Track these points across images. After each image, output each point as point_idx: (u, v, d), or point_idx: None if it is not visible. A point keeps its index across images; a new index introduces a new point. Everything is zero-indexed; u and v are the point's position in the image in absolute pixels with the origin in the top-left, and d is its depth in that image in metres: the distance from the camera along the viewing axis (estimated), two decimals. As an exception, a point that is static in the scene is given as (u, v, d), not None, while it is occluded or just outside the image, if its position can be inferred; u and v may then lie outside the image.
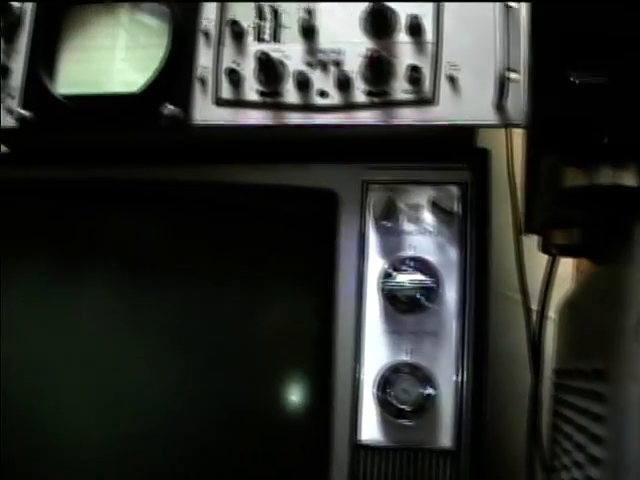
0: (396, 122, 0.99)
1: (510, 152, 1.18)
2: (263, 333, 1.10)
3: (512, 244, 1.23)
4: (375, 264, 1.01)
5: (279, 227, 1.07)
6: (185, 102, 1.02)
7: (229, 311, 1.10)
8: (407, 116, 0.99)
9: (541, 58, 0.79)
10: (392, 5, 1.00)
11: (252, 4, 1.05)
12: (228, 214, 1.09)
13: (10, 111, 1.08)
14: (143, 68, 1.05)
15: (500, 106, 0.96)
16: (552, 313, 1.18)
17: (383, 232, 1.02)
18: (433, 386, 0.96)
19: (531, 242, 1.11)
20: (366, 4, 1.01)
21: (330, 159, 1.05)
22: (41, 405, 1.11)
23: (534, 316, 1.21)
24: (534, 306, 1.21)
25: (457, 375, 0.98)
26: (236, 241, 1.10)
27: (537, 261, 1.18)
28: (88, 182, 1.12)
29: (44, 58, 1.08)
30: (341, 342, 1.00)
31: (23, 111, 1.06)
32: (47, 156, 1.15)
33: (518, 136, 1.07)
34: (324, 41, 1.02)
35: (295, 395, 1.07)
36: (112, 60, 1.07)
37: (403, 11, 1.01)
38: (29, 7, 1.11)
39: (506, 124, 0.97)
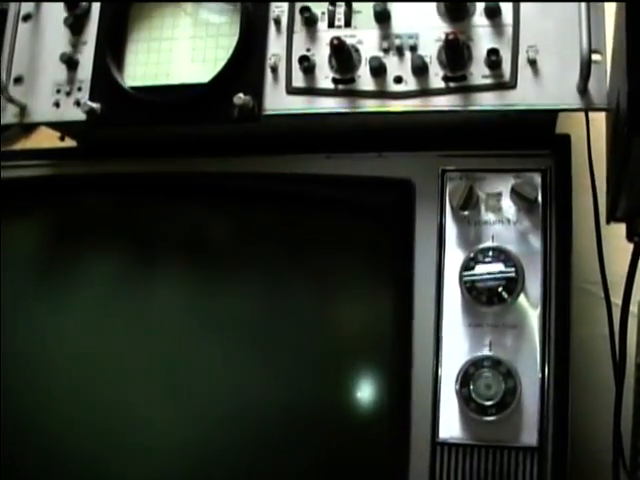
0: (475, 107, 0.95)
1: (589, 137, 1.13)
2: (339, 330, 1.08)
3: (589, 233, 1.17)
4: (454, 255, 0.98)
5: (354, 219, 1.04)
6: (257, 91, 1.00)
7: (303, 307, 1.08)
8: (486, 101, 0.95)
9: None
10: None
11: None
12: (301, 206, 1.07)
13: (78, 104, 1.05)
14: (212, 58, 1.03)
15: (584, 89, 0.91)
16: (633, 307, 1.13)
17: (462, 222, 0.99)
18: (515, 381, 0.92)
19: (609, 232, 1.04)
20: (442, -14, 0.95)
21: (406, 148, 1.03)
22: (113, 400, 1.08)
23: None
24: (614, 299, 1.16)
25: (540, 369, 0.93)
26: (310, 234, 1.07)
27: (616, 253, 1.12)
28: (157, 176, 1.11)
29: (111, 50, 1.07)
30: (420, 337, 0.98)
31: (92, 104, 1.03)
32: (115, 149, 1.13)
33: (595, 121, 1.02)
34: (398, 26, 0.99)
35: (373, 393, 1.04)
36: (180, 50, 1.06)
37: (480, -5, 0.95)
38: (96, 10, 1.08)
39: (590, 107, 0.92)
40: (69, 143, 1.20)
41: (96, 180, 1.13)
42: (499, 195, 0.98)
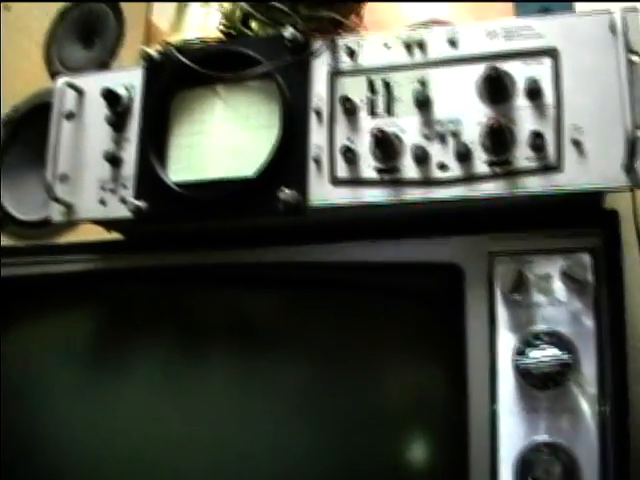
0: (521, 192, 0.94)
1: (635, 215, 1.12)
2: (389, 409, 1.07)
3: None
4: (506, 340, 0.97)
5: (402, 303, 1.03)
6: (301, 184, 1.00)
7: (353, 384, 1.07)
8: (532, 185, 0.95)
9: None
10: (508, 68, 0.94)
11: (363, 77, 0.99)
12: (349, 292, 1.06)
13: (124, 201, 1.05)
14: (254, 150, 1.02)
15: (630, 167, 0.90)
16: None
17: (513, 306, 0.97)
18: (574, 466, 0.91)
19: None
20: (481, 69, 0.95)
21: (452, 231, 1.02)
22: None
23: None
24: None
25: (599, 453, 0.92)
26: (358, 318, 1.06)
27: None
28: (204, 267, 1.10)
29: (154, 146, 1.06)
30: (475, 423, 0.97)
31: (138, 202, 1.04)
32: (162, 242, 1.14)
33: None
34: (439, 111, 0.99)
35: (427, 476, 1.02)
36: (221, 144, 1.05)
37: (520, 74, 0.95)
38: (137, 95, 1.08)
39: (637, 185, 0.91)
40: (115, 234, 1.20)
41: (144, 272, 1.13)
42: (549, 277, 0.97)
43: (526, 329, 0.96)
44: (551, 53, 0.97)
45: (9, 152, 1.45)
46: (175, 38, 1.34)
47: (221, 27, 1.17)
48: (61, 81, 1.15)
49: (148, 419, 1.12)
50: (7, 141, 1.45)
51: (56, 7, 1.50)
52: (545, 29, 0.97)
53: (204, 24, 1.44)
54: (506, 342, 0.96)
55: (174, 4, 1.50)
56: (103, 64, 1.39)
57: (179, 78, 1.08)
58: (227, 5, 1.16)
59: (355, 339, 1.07)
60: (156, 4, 1.42)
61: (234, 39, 1.15)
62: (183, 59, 1.06)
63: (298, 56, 1.02)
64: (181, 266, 1.12)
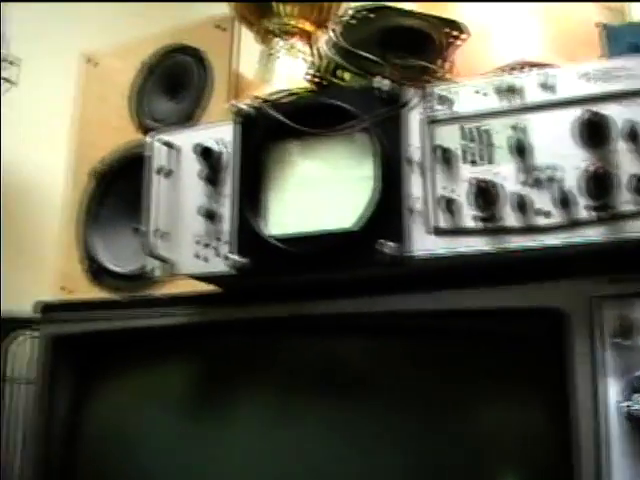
0: (624, 237, 0.92)
1: None
2: (490, 454, 1.07)
3: None
4: (612, 384, 0.96)
5: (503, 349, 1.03)
6: (400, 235, 1.00)
7: (454, 429, 1.09)
8: (634, 228, 0.93)
9: None
10: (605, 111, 0.93)
11: (458, 125, 0.99)
12: (448, 340, 1.05)
13: (223, 256, 1.06)
14: (351, 203, 1.02)
15: None
16: None
17: (618, 350, 0.96)
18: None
19: None
20: (578, 113, 0.94)
21: (554, 276, 1.01)
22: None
23: None
24: None
25: None
26: (459, 364, 1.06)
27: None
28: (301, 317, 1.11)
29: (251, 200, 1.07)
30: (582, 468, 0.95)
31: (237, 258, 1.05)
32: (258, 293, 1.16)
33: None
34: (537, 157, 0.98)
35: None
36: (317, 197, 1.05)
37: (618, 116, 0.94)
38: (230, 150, 1.09)
39: None
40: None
41: (242, 324, 1.13)
42: (656, 320, 0.95)
43: (632, 374, 0.94)
44: (647, 93, 0.93)
45: (101, 204, 1.46)
46: (263, 89, 1.36)
47: (310, 77, 1.17)
48: (154, 138, 1.16)
49: (248, 466, 1.13)
50: (98, 193, 1.47)
51: (141, 60, 1.50)
52: (640, 69, 0.94)
53: (291, 74, 1.44)
54: (612, 387, 0.95)
55: (259, 54, 1.51)
56: (190, 116, 1.40)
57: (272, 132, 1.09)
58: (316, 55, 1.16)
59: (456, 385, 1.07)
60: (244, 54, 1.43)
61: (324, 89, 1.15)
62: (277, 115, 1.07)
63: (393, 108, 1.02)
64: (279, 317, 1.12)
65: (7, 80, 2.21)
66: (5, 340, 2.02)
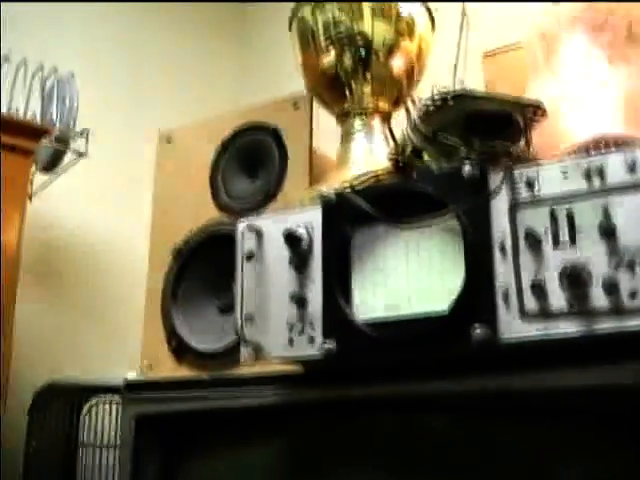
0: None
1: None
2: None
3: None
4: None
5: (592, 427, 1.03)
6: (491, 320, 1.01)
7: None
8: None
9: None
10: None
11: (544, 208, 1.00)
12: (539, 419, 1.06)
13: (312, 340, 1.08)
14: (441, 288, 1.03)
15: None
16: None
17: None
18: None
19: None
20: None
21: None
22: None
23: None
24: None
25: None
26: (553, 442, 1.06)
27: None
28: (389, 397, 1.12)
29: (339, 285, 1.09)
30: None
31: (327, 343, 1.07)
32: (343, 374, 1.18)
33: None
34: (625, 238, 0.99)
35: None
36: (406, 282, 1.07)
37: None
38: (316, 235, 1.11)
39: None
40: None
41: (328, 404, 1.15)
42: None
43: None
44: None
45: (182, 282, 1.49)
46: (343, 170, 1.38)
47: (392, 158, 1.19)
48: (242, 225, 1.19)
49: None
50: (180, 272, 1.50)
51: (218, 138, 1.54)
52: None
53: (371, 154, 1.47)
54: None
55: (338, 134, 1.53)
56: (268, 195, 1.42)
57: (358, 218, 1.10)
58: (396, 136, 1.18)
59: (545, 463, 1.07)
60: (320, 132, 1.46)
61: (406, 171, 1.16)
62: (362, 205, 1.09)
63: (483, 196, 1.03)
64: (366, 397, 1.13)
65: (77, 151, 2.27)
66: (84, 406, 2.06)
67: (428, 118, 1.11)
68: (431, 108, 1.10)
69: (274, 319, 1.15)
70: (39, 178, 2.29)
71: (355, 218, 1.11)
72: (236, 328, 1.15)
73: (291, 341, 1.13)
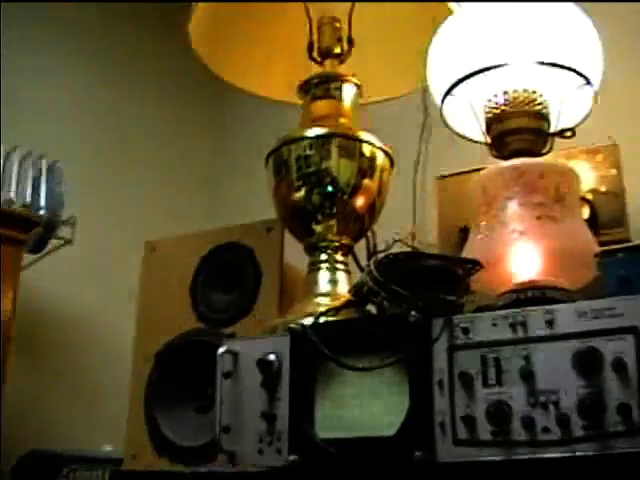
0: (610, 451, 1.16)
1: None
2: None
3: None
4: None
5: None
6: (430, 444, 1.23)
7: None
8: (620, 445, 1.16)
9: None
10: (596, 345, 1.18)
11: (476, 352, 1.24)
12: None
13: (279, 451, 1.30)
14: (388, 414, 1.26)
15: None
16: None
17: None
18: None
19: None
20: (575, 346, 1.19)
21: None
22: None
23: None
24: None
25: None
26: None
27: None
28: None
29: (303, 406, 1.31)
30: None
31: (289, 456, 1.28)
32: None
33: None
34: (541, 382, 1.20)
35: None
36: (360, 409, 1.29)
37: (607, 350, 1.18)
38: (285, 360, 1.34)
39: None
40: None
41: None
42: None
43: None
44: (632, 331, 1.18)
45: (163, 385, 1.70)
46: (309, 300, 1.61)
47: (352, 293, 1.43)
48: (222, 348, 1.41)
49: None
50: (161, 375, 1.71)
51: (198, 252, 1.77)
52: (627, 309, 1.19)
53: (334, 286, 1.70)
54: None
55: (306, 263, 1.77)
56: (244, 308, 1.65)
57: (318, 352, 1.33)
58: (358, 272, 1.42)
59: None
60: (289, 250, 1.69)
61: (362, 311, 1.40)
62: (320, 347, 1.31)
63: (427, 342, 1.28)
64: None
65: (62, 238, 2.44)
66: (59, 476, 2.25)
67: (382, 268, 1.35)
68: (385, 261, 1.34)
69: (247, 431, 1.36)
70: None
71: (316, 352, 1.33)
72: (214, 437, 1.36)
73: (261, 451, 1.34)
